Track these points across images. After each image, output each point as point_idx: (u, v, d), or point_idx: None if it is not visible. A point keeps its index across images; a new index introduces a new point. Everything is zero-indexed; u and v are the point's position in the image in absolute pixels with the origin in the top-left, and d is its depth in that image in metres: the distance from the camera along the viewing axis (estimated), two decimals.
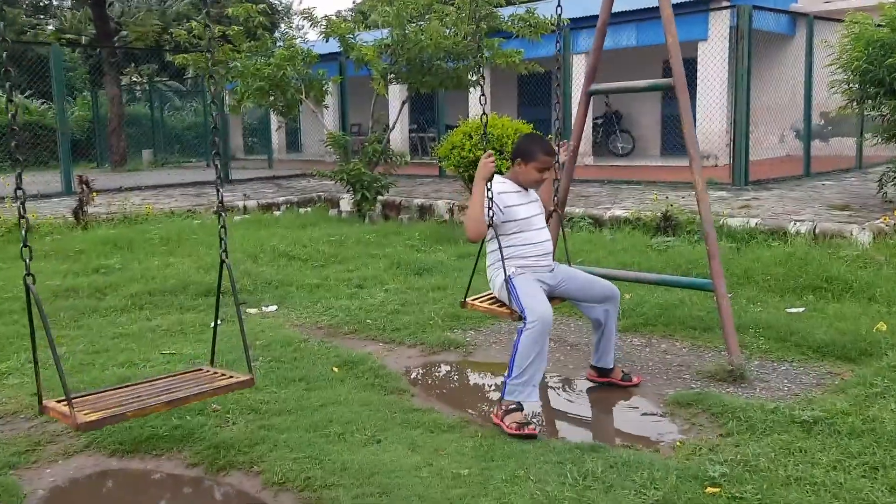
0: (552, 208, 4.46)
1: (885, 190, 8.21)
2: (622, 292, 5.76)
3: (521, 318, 3.70)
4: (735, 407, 3.60)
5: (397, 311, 5.74)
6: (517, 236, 3.91)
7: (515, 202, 3.94)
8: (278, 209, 11.70)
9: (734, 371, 4.09)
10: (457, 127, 10.04)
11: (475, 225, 3.82)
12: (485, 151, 3.87)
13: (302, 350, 4.86)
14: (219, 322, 3.38)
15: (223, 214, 3.00)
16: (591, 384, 4.26)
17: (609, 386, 4.19)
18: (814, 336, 4.59)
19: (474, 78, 10.95)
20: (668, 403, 3.87)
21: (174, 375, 3.09)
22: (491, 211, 3.77)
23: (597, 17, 4.61)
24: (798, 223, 7.52)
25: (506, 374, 3.69)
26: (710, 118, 14.57)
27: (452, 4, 10.68)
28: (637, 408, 3.94)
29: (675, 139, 17.22)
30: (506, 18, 10.20)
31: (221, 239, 3.00)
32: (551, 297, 4.01)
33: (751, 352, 4.50)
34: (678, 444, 3.36)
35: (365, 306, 5.90)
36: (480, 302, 4.12)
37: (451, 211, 10.53)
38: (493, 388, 4.32)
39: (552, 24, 10.00)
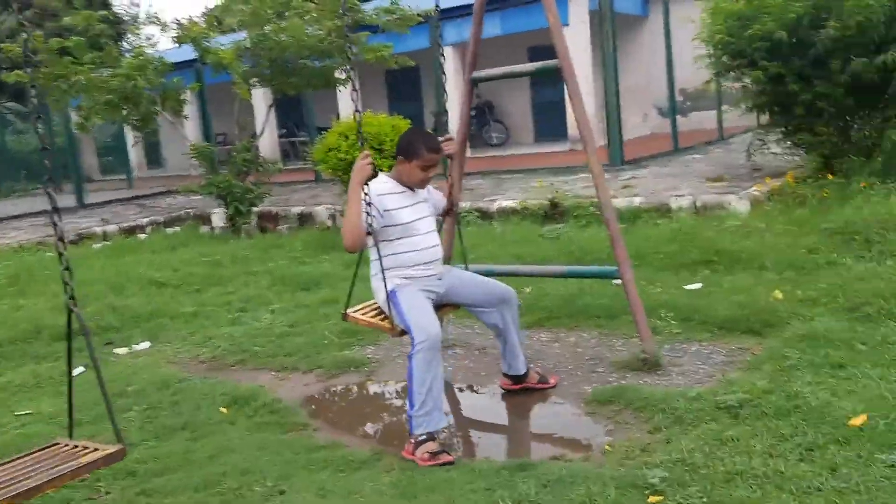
0: (449, 206, 4.15)
1: (753, 158, 8.47)
2: (524, 286, 5.62)
3: (404, 333, 3.45)
4: (657, 398, 3.44)
5: (287, 334, 5.29)
6: (400, 242, 3.58)
7: (398, 205, 3.60)
8: (143, 232, 10.84)
9: (648, 359, 3.95)
10: (330, 128, 9.59)
11: (352, 234, 3.46)
12: (361, 152, 3.51)
13: (182, 391, 4.35)
14: (80, 371, 2.85)
15: (63, 254, 2.50)
16: (503, 387, 4.01)
17: (525, 390, 3.94)
18: (716, 312, 4.53)
19: (343, 76, 10.54)
20: (588, 402, 3.67)
21: (24, 457, 2.54)
22: (370, 217, 3.44)
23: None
24: (679, 198, 7.62)
25: (407, 406, 3.37)
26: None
27: (312, 1, 10.20)
28: (558, 411, 3.71)
29: (547, 126, 17.43)
30: (370, 12, 9.83)
31: (66, 283, 2.50)
32: (442, 305, 3.75)
33: (660, 336, 4.38)
34: (607, 447, 3.15)
35: (250, 332, 5.41)
36: (363, 314, 3.80)
37: (332, 217, 10.09)
38: (404, 408, 3.98)
39: (419, 16, 9.73)
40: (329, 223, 10.07)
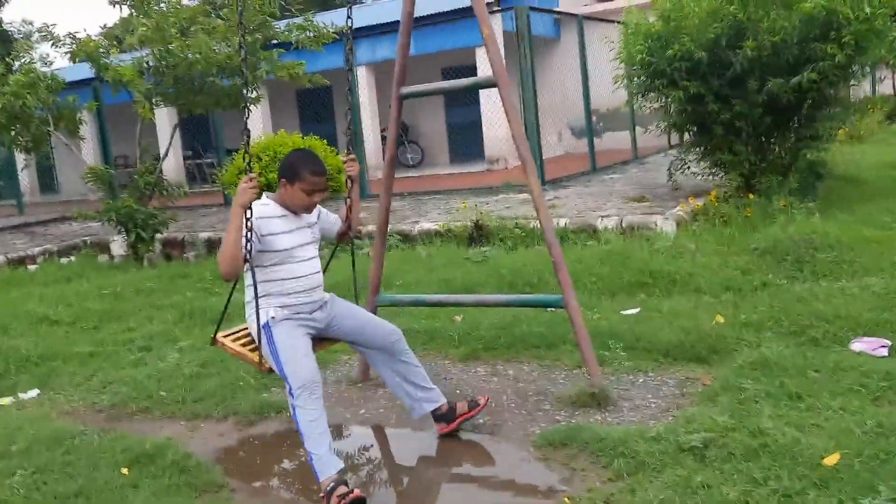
0: (343, 230, 3.81)
1: (674, 178, 8.48)
2: (454, 314, 5.31)
3: (272, 371, 3.35)
4: (614, 440, 3.17)
5: (197, 375, 4.78)
6: (277, 269, 3.36)
7: (278, 229, 3.37)
8: (34, 262, 9.96)
9: (597, 394, 3.69)
10: (239, 150, 9.06)
11: (229, 261, 3.21)
12: (247, 174, 3.22)
13: (77, 449, 3.80)
14: None
15: None
16: (440, 433, 3.66)
17: (459, 428, 3.61)
18: (659, 338, 4.35)
19: (253, 95, 10.03)
20: (538, 446, 3.37)
21: None
22: (249, 242, 3.19)
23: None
24: (605, 219, 7.50)
25: (307, 455, 3.20)
26: (494, 123, 14.70)
27: (220, 17, 9.68)
28: (506, 456, 3.39)
29: (462, 146, 17.33)
30: (282, 29, 9.39)
31: None
32: (322, 339, 3.54)
33: (604, 367, 4.14)
34: (566, 500, 2.85)
35: (155, 374, 4.87)
36: (233, 340, 3.56)
37: None
38: None
39: (334, 34, 9.36)
40: None
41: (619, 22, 12.89)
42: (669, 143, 15.09)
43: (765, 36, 6.93)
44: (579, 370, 4.22)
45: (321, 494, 3.08)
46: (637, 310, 5.02)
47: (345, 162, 3.80)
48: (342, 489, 3.03)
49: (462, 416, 3.61)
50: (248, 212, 3.19)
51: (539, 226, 6.47)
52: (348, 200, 3.76)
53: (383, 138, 17.43)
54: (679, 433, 3.11)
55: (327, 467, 3.13)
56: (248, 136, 3.37)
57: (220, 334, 3.59)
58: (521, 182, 10.64)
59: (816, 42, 6.87)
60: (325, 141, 8.88)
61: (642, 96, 8.05)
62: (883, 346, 3.82)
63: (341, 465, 3.18)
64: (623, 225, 7.30)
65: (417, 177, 15.10)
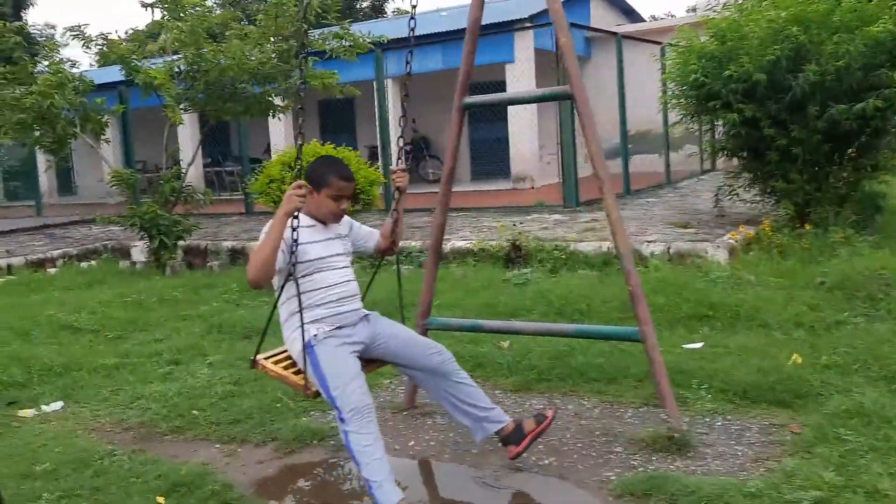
0: (387, 245, 3.62)
1: (721, 204, 8.17)
2: (501, 339, 5.00)
3: (318, 394, 3.15)
4: (706, 494, 2.85)
5: (231, 394, 4.50)
6: (308, 280, 3.21)
7: (307, 239, 3.22)
8: (53, 265, 9.72)
9: (678, 438, 3.37)
10: (263, 159, 8.82)
11: (261, 266, 3.06)
12: (294, 181, 3.08)
13: (107, 471, 3.52)
14: None
15: None
16: (511, 466, 3.35)
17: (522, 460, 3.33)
18: (734, 378, 4.01)
19: (283, 103, 9.80)
20: (616, 495, 3.04)
21: None
22: (293, 254, 3.09)
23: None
24: (651, 244, 7.20)
25: (365, 485, 2.99)
26: (522, 140, 14.45)
27: (254, 23, 9.47)
28: None
29: (483, 164, 17.08)
30: (316, 37, 9.17)
31: None
32: (368, 361, 3.30)
33: (679, 407, 3.81)
34: None
35: (186, 390, 4.58)
36: (274, 362, 3.33)
37: None
38: None
39: (370, 44, 9.13)
40: None
41: (654, 42, 12.72)
42: (702, 167, 14.82)
43: (828, 60, 6.64)
44: (646, 408, 3.91)
45: None
46: (701, 344, 4.69)
47: (394, 173, 3.60)
48: None
49: (532, 434, 3.31)
50: (294, 220, 3.05)
51: (584, 249, 6.18)
52: (395, 213, 3.57)
53: (405, 152, 17.22)
54: (782, 490, 2.79)
55: (389, 495, 2.91)
56: (303, 141, 3.19)
57: (259, 356, 3.35)
58: (553, 202, 10.45)
59: (883, 68, 6.57)
60: (358, 152, 8.61)
61: (692, 118, 7.75)
62: None
63: (399, 497, 2.92)
64: (670, 251, 6.99)
65: (437, 193, 14.83)
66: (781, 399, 3.78)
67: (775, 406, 3.76)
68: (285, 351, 3.41)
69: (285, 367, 3.31)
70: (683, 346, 4.71)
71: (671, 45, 7.66)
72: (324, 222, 3.33)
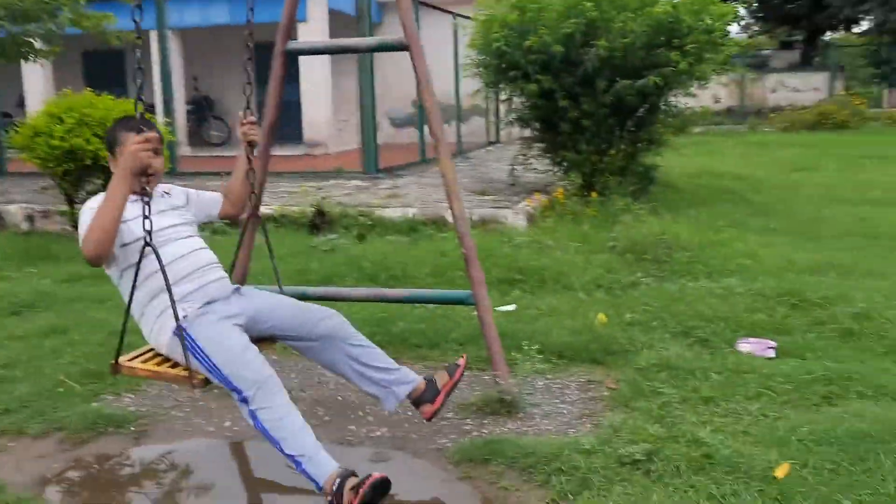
0: (246, 213, 3.37)
1: (516, 173, 8.46)
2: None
3: (208, 382, 2.75)
4: (545, 454, 2.87)
5: (1, 379, 3.85)
6: (151, 259, 2.65)
7: (131, 215, 2.75)
8: None
9: (508, 401, 3.39)
10: (12, 116, 7.69)
11: (100, 238, 2.60)
12: (139, 133, 2.61)
13: None
14: None
15: None
16: (339, 440, 3.16)
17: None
18: (550, 338, 4.13)
19: (46, 48, 8.61)
20: (456, 462, 2.98)
21: None
22: (148, 220, 2.60)
23: None
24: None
25: (292, 463, 2.62)
26: (315, 105, 14.02)
27: None
28: (423, 477, 2.95)
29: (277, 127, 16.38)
30: None
31: None
32: (256, 340, 2.87)
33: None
34: None
35: None
36: (143, 362, 2.89)
37: (30, 218, 8.16)
38: (201, 489, 2.94)
39: None
40: (25, 226, 8.14)
41: (453, 13, 12.84)
42: (488, 139, 15.37)
43: (616, 37, 7.05)
44: (470, 372, 3.90)
45: (328, 499, 2.51)
46: (513, 307, 4.80)
47: (244, 124, 3.17)
48: (352, 480, 2.50)
49: (446, 388, 3.05)
50: (145, 180, 2.62)
51: (383, 216, 6.08)
52: (250, 173, 3.21)
53: (187, 112, 16.02)
54: (615, 445, 2.88)
55: (322, 466, 2.56)
56: (143, 80, 2.60)
57: (122, 358, 2.85)
58: (352, 169, 10.24)
59: (662, 48, 7.11)
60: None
61: (492, 88, 7.91)
62: (770, 348, 3.89)
63: (335, 463, 2.59)
64: (474, 218, 7.10)
65: (226, 157, 14.02)
66: (595, 357, 3.95)
67: (590, 363, 3.92)
68: (150, 350, 2.94)
69: (158, 364, 2.86)
70: (497, 308, 4.78)
71: (474, 16, 7.73)
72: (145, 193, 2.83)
